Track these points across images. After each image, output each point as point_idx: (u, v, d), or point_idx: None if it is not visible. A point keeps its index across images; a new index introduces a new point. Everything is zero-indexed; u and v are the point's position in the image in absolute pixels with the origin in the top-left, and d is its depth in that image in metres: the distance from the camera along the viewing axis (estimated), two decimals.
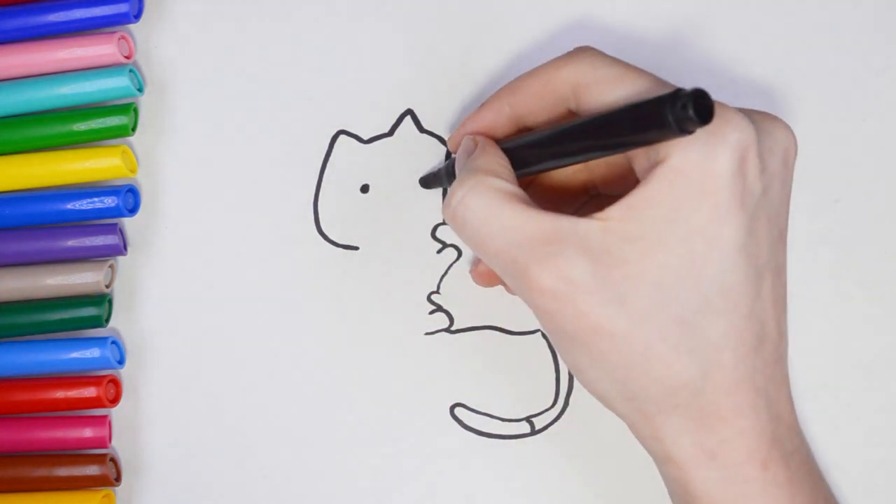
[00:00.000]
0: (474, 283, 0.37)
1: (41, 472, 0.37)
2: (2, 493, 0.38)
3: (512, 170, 0.31)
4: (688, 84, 0.26)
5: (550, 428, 0.37)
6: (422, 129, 0.39)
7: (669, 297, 0.27)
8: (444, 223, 0.38)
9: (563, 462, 0.37)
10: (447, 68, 0.39)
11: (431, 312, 0.38)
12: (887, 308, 0.37)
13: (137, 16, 0.39)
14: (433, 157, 0.39)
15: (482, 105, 0.34)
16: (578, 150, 0.29)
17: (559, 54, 0.38)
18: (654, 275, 0.27)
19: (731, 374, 0.28)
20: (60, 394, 0.37)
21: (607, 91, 0.29)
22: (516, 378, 0.37)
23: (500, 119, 0.33)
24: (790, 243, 0.37)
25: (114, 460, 0.38)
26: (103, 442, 0.38)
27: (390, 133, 0.39)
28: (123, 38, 0.39)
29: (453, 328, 0.38)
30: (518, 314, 0.38)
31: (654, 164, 0.27)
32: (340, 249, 0.39)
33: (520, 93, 0.33)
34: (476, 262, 0.37)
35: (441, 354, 0.38)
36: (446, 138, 0.39)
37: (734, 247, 0.27)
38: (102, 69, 0.39)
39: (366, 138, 0.39)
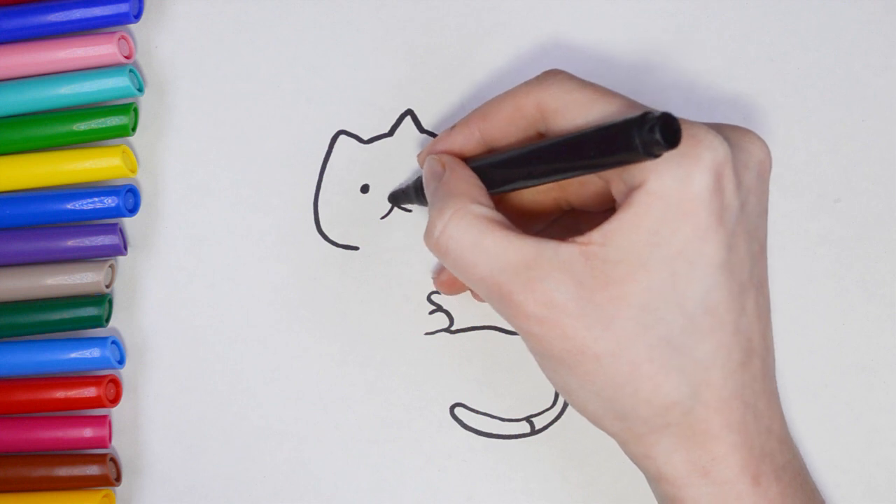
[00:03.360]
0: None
1: (41, 472, 0.37)
2: (2, 493, 0.38)
3: (486, 192, 0.31)
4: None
5: (550, 428, 0.37)
6: (422, 129, 0.39)
7: (654, 319, 0.27)
8: None
9: (563, 462, 0.37)
10: (447, 68, 0.39)
11: (431, 312, 0.38)
12: (887, 308, 0.37)
13: (137, 16, 0.39)
14: None
15: (452, 127, 0.34)
16: (548, 171, 0.30)
17: (556, 56, 0.38)
18: (638, 297, 0.27)
19: (720, 391, 0.28)
20: (60, 394, 0.37)
21: (577, 115, 0.30)
22: (516, 378, 0.38)
23: (469, 143, 0.33)
24: (790, 243, 0.37)
25: (114, 460, 0.38)
26: (103, 442, 0.38)
27: (390, 133, 0.39)
28: (123, 38, 0.39)
29: (453, 328, 0.38)
30: None
31: (631, 189, 0.28)
32: (340, 249, 0.39)
33: (490, 118, 0.33)
34: (439, 271, 0.37)
35: (441, 354, 0.38)
36: None
37: (716, 265, 0.27)
38: (102, 69, 0.39)
39: (366, 138, 0.39)
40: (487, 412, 0.38)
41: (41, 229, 0.38)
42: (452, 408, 0.38)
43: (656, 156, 0.26)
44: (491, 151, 0.33)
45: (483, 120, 0.33)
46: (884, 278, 0.37)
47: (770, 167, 0.30)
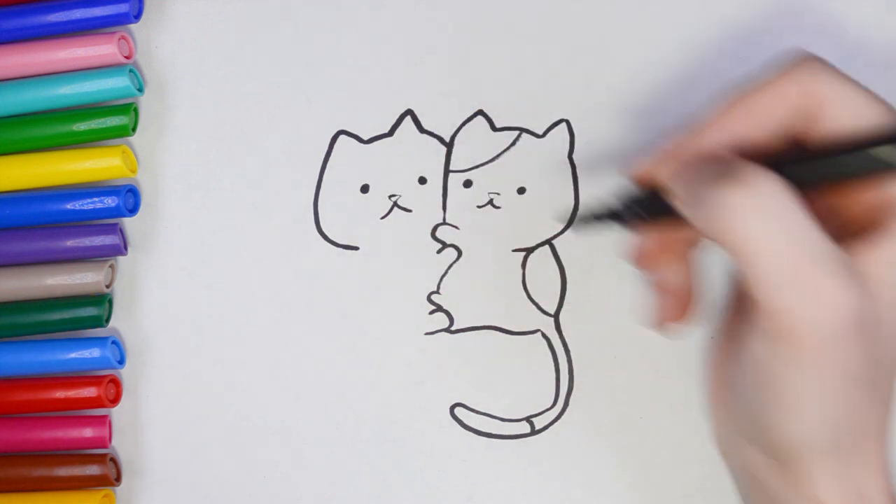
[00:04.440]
0: (472, 285, 0.37)
1: (41, 472, 0.37)
2: (2, 493, 0.38)
3: None
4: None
5: (550, 428, 0.37)
6: (422, 129, 0.39)
7: (884, 336, 0.27)
8: (443, 223, 0.38)
9: (563, 462, 0.37)
10: (447, 68, 0.39)
11: (431, 312, 0.38)
12: None
13: (137, 16, 0.39)
14: (433, 157, 0.39)
15: (692, 132, 0.30)
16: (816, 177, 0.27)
17: (556, 56, 0.37)
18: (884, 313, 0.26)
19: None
20: (60, 394, 0.37)
21: (846, 114, 0.27)
22: (516, 378, 0.38)
23: (717, 147, 0.29)
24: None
25: (114, 460, 0.38)
26: (103, 442, 0.38)
27: (390, 133, 0.39)
28: (123, 38, 0.39)
29: (453, 328, 0.38)
30: (518, 314, 0.38)
31: None
32: (340, 249, 0.39)
33: (743, 116, 0.29)
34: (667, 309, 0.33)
35: (441, 354, 0.38)
36: (446, 138, 0.39)
37: None
38: (102, 69, 0.39)
39: (366, 138, 0.39)
40: (487, 412, 0.37)
41: (41, 229, 0.38)
42: (452, 408, 0.38)
43: None
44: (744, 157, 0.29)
45: (735, 119, 0.29)
46: None
47: None
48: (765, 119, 0.28)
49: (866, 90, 0.28)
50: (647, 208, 0.31)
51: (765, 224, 0.25)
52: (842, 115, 0.27)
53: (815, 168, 0.27)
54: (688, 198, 0.28)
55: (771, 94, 0.28)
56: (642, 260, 0.33)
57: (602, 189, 0.38)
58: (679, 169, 0.29)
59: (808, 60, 0.28)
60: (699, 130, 0.30)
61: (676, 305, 0.33)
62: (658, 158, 0.30)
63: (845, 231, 0.28)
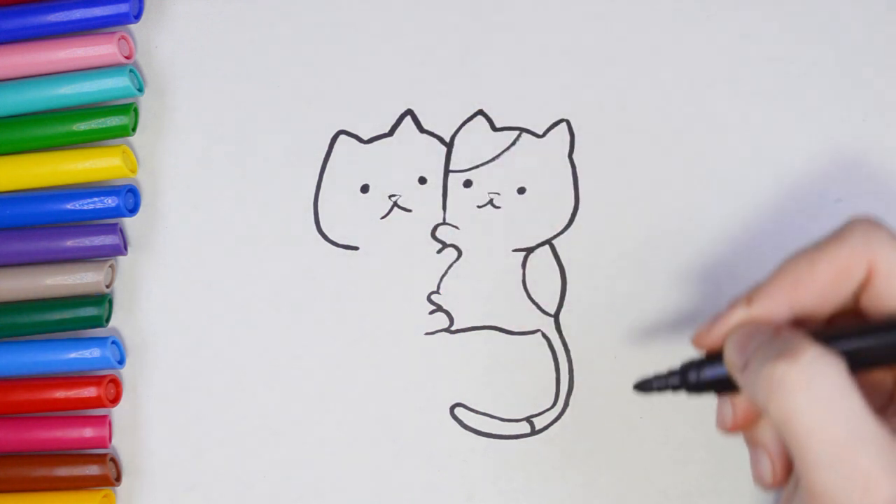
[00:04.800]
0: (472, 285, 0.37)
1: (41, 472, 0.37)
2: (2, 493, 0.38)
3: None
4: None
5: (550, 428, 0.37)
6: (422, 129, 0.39)
7: None
8: (443, 223, 0.38)
9: (563, 462, 0.37)
10: (447, 68, 0.39)
11: (431, 312, 0.38)
12: None
13: (137, 16, 0.40)
14: (433, 157, 0.39)
15: (749, 299, 0.29)
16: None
17: (557, 55, 0.37)
18: None
19: None
20: (60, 394, 0.37)
21: None
22: (516, 378, 0.37)
23: (776, 318, 0.29)
24: (791, 243, 0.37)
25: (114, 460, 0.38)
26: (103, 442, 0.38)
27: (390, 133, 0.39)
28: (123, 38, 0.39)
29: (453, 328, 0.38)
30: (518, 314, 0.38)
31: None
32: (340, 249, 0.39)
33: (804, 286, 0.28)
34: (727, 417, 0.31)
35: (441, 354, 0.38)
36: (446, 138, 0.39)
37: None
38: (102, 69, 0.39)
39: (366, 138, 0.39)
40: (487, 412, 0.37)
41: (41, 229, 0.39)
42: (452, 408, 0.38)
43: None
44: (800, 325, 0.29)
45: (795, 289, 0.28)
46: None
47: None
48: (819, 288, 0.28)
49: None
50: (708, 375, 0.30)
51: (814, 404, 0.25)
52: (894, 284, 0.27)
53: (870, 342, 0.27)
54: (742, 368, 0.28)
55: (826, 262, 0.28)
56: (735, 428, 0.31)
57: (601, 190, 0.38)
58: (736, 338, 0.29)
59: (868, 227, 0.28)
60: (756, 298, 0.29)
61: (779, 466, 0.31)
62: (716, 325, 0.30)
63: None
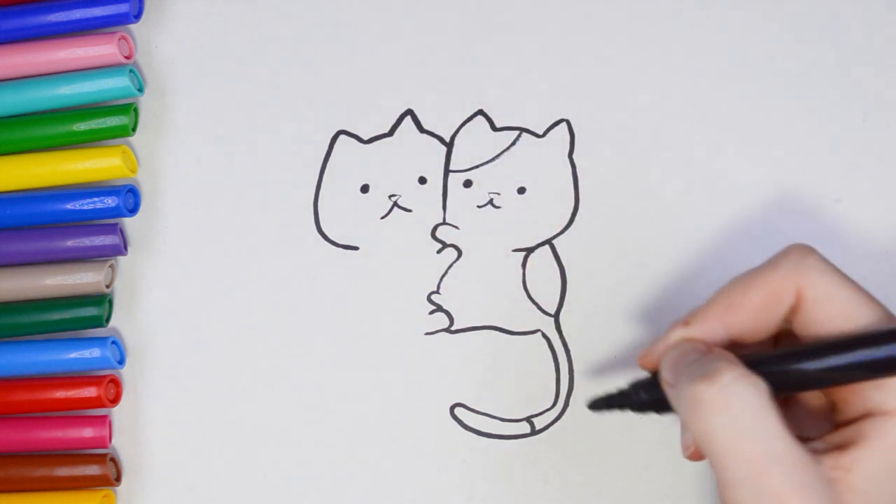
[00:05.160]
0: (472, 285, 0.37)
1: (41, 472, 0.37)
2: (2, 493, 0.38)
3: None
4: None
5: (550, 428, 0.37)
6: (422, 129, 0.39)
7: None
8: (443, 223, 0.38)
9: (563, 462, 0.37)
10: (447, 68, 0.39)
11: (431, 312, 0.38)
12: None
13: (137, 16, 0.40)
14: (433, 157, 0.39)
15: (686, 322, 0.31)
16: (827, 378, 0.28)
17: (556, 55, 0.37)
18: None
19: None
20: (60, 394, 0.37)
21: (837, 315, 0.28)
22: (516, 378, 0.37)
23: (711, 339, 0.30)
24: (790, 244, 0.37)
25: (114, 460, 0.38)
26: (103, 442, 0.38)
27: (390, 133, 0.39)
28: (123, 38, 0.39)
29: (453, 328, 0.38)
30: (518, 314, 0.38)
31: (879, 415, 0.27)
32: (340, 249, 0.39)
33: (736, 309, 0.29)
34: (690, 444, 0.32)
35: (441, 354, 0.38)
36: (446, 138, 0.39)
37: None
38: (102, 69, 0.39)
39: (366, 138, 0.39)
40: (487, 412, 0.37)
41: (41, 229, 0.39)
42: (452, 408, 0.38)
43: None
44: (734, 348, 0.30)
45: (728, 312, 0.30)
46: (884, 278, 0.37)
47: None
48: (752, 312, 0.29)
49: (857, 289, 0.28)
50: (651, 394, 0.31)
51: (730, 425, 0.26)
52: (827, 314, 0.28)
53: (792, 365, 0.28)
54: (672, 387, 0.29)
55: (762, 289, 0.29)
56: (696, 456, 0.32)
57: (601, 190, 0.38)
58: (670, 356, 0.30)
59: (802, 254, 0.29)
60: (693, 320, 0.30)
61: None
62: (657, 346, 0.31)
63: (837, 434, 0.29)
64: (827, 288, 0.28)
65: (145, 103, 0.40)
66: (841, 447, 0.27)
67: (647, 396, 0.31)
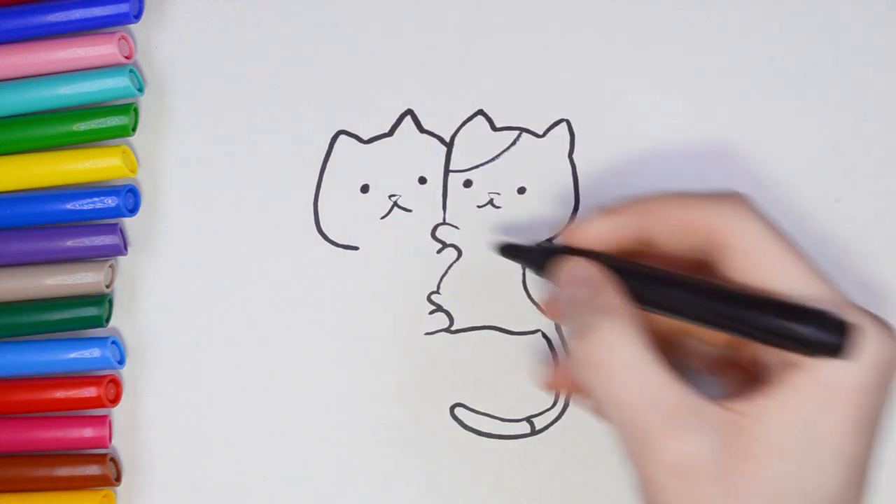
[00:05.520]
0: (472, 285, 0.37)
1: (41, 472, 0.37)
2: (2, 493, 0.38)
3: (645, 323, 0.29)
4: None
5: (550, 428, 0.37)
6: (422, 129, 0.39)
7: (781, 501, 0.27)
8: (443, 223, 0.38)
9: (563, 462, 0.37)
10: (447, 68, 0.39)
11: (431, 312, 0.38)
12: (887, 308, 0.37)
13: (137, 16, 0.40)
14: (433, 156, 0.39)
15: (607, 210, 0.31)
16: (707, 317, 0.28)
17: (556, 55, 0.37)
18: (773, 479, 0.27)
19: None
20: (60, 394, 0.37)
21: (756, 268, 0.28)
22: (516, 378, 0.37)
23: (624, 235, 0.31)
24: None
25: (114, 460, 0.38)
26: (103, 442, 0.38)
27: (390, 133, 0.39)
28: (123, 38, 0.39)
29: (453, 328, 0.38)
30: (518, 314, 0.38)
31: (792, 365, 0.27)
32: (340, 249, 0.39)
33: (655, 217, 0.30)
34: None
35: (441, 354, 0.38)
36: (446, 138, 0.39)
37: (855, 460, 0.27)
38: (102, 69, 0.39)
39: (366, 138, 0.39)
40: (487, 412, 0.37)
41: (41, 229, 0.38)
42: (452, 408, 0.38)
43: (815, 356, 0.26)
44: (640, 251, 0.31)
45: (647, 215, 0.31)
46: (884, 278, 0.37)
47: None
48: (672, 230, 0.30)
49: (789, 250, 0.28)
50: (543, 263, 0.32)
51: (605, 378, 0.28)
52: (752, 265, 0.28)
53: (715, 307, 0.28)
54: (562, 316, 0.31)
55: (683, 214, 0.30)
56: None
57: (601, 190, 0.38)
58: (564, 274, 0.31)
59: (734, 201, 0.29)
60: (615, 210, 0.31)
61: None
62: (578, 228, 0.32)
63: (751, 382, 0.29)
64: (751, 238, 0.29)
65: (145, 103, 0.40)
66: (751, 396, 0.28)
67: (540, 261, 0.32)
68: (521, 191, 0.38)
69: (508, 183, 0.38)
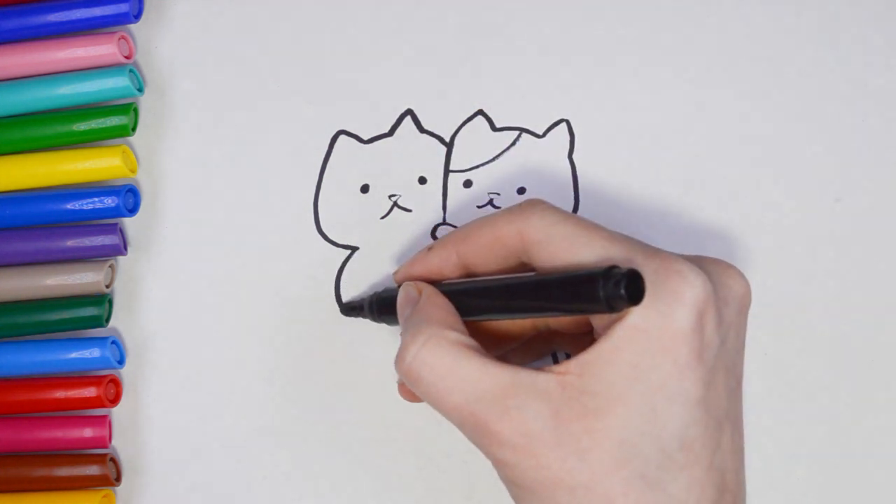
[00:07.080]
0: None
1: (41, 472, 0.37)
2: (2, 493, 0.38)
3: (461, 318, 0.31)
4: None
5: None
6: (422, 129, 0.39)
7: (631, 453, 0.27)
8: (443, 223, 0.38)
9: None
10: (447, 68, 0.39)
11: None
12: (887, 308, 0.37)
13: (137, 16, 0.40)
14: (433, 156, 0.39)
15: (430, 248, 0.34)
16: (518, 307, 0.30)
17: (556, 54, 0.38)
18: (615, 430, 0.27)
19: None
20: (60, 394, 0.37)
21: (559, 249, 0.30)
22: None
23: (447, 265, 0.33)
24: (790, 242, 0.37)
25: (114, 460, 0.38)
26: (103, 442, 0.38)
27: (390, 133, 0.39)
28: (123, 38, 0.39)
29: None
30: None
31: (613, 321, 0.28)
32: (340, 249, 0.39)
33: (469, 242, 0.33)
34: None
35: None
36: (446, 138, 0.39)
37: (694, 401, 0.27)
38: (102, 69, 0.39)
39: (366, 138, 0.39)
40: None
41: (41, 229, 0.38)
42: None
43: (618, 310, 0.26)
44: (469, 275, 0.33)
45: (462, 243, 0.33)
46: (884, 278, 0.37)
47: (749, 302, 0.30)
48: (483, 249, 0.32)
49: (581, 229, 0.30)
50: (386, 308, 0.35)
51: (429, 389, 0.29)
52: (549, 252, 0.30)
53: (538, 296, 0.29)
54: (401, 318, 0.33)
55: (490, 232, 0.32)
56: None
57: (601, 190, 0.38)
58: (401, 295, 0.33)
59: (530, 205, 0.31)
60: (434, 247, 0.34)
61: None
62: (406, 268, 0.35)
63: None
64: (547, 229, 0.30)
65: (145, 103, 0.40)
66: (579, 355, 0.28)
67: (381, 309, 0.35)
68: (521, 191, 0.38)
69: (508, 183, 0.38)
